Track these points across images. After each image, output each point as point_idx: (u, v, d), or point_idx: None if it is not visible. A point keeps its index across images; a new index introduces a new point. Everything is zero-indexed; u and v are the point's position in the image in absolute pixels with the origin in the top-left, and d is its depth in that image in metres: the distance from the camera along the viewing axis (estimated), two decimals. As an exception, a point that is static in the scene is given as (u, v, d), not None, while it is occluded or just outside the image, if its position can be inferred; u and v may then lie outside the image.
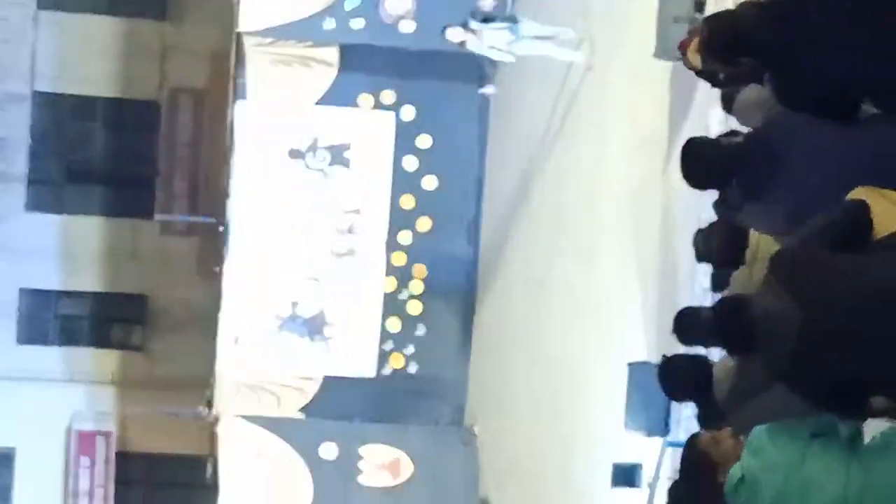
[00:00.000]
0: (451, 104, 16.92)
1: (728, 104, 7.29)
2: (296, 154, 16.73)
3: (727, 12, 6.10)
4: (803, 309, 4.37)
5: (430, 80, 16.82)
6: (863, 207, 4.67)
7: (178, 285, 19.38)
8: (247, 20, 16.34)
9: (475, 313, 16.76)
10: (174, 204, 19.80)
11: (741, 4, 6.16)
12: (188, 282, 19.07)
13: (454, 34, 15.63)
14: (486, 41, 15.40)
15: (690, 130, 10.92)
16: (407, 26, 16.35)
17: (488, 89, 16.66)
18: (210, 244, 17.46)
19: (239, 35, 16.46)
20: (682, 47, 7.41)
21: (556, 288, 14.82)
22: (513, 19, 15.33)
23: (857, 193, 4.79)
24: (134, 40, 19.79)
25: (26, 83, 19.61)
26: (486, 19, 15.39)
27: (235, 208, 16.44)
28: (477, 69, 16.77)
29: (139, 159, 19.82)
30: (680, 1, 11.67)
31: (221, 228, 16.53)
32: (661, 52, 11.90)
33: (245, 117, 16.44)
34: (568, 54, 14.94)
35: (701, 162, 5.83)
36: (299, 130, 16.70)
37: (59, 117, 19.94)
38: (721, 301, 5.58)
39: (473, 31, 15.44)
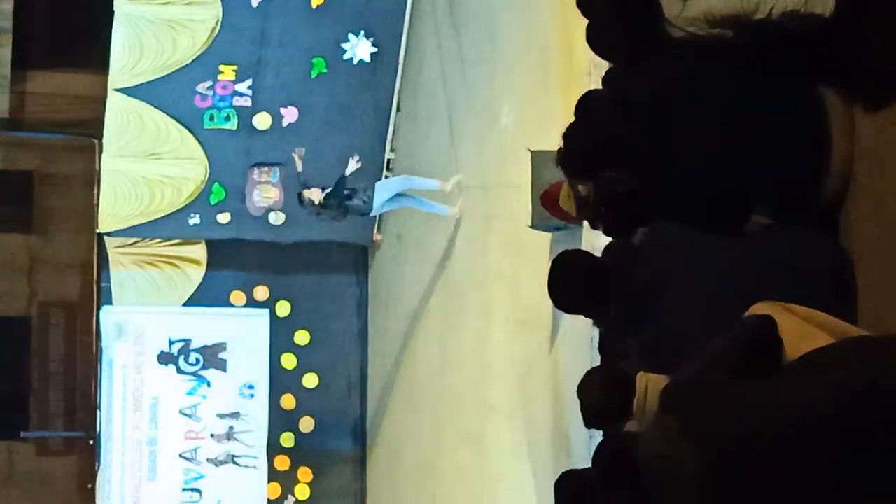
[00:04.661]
0: (327, 297, 16.08)
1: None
2: (167, 358, 15.85)
3: (578, 122, 5.45)
4: (704, 452, 3.50)
5: (304, 272, 15.92)
6: (770, 324, 3.83)
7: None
8: (107, 220, 15.18)
9: (366, 508, 15.84)
10: (49, 422, 17.95)
11: (593, 110, 5.46)
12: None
13: (312, 194, 14.03)
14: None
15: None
16: (276, 218, 15.41)
17: (377, 236, 15.77)
18: (88, 462, 16.38)
19: (100, 237, 15.38)
20: (548, 199, 6.39)
21: (447, 475, 14.06)
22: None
23: (760, 309, 3.95)
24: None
25: None
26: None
27: (106, 420, 15.71)
28: (353, 258, 15.95)
29: (11, 378, 17.88)
30: (554, 168, 10.45)
31: (92, 442, 15.76)
32: (537, 223, 10.93)
33: (111, 324, 15.53)
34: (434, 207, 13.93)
35: (569, 281, 5.05)
36: (169, 334, 15.80)
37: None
38: (600, 446, 4.74)
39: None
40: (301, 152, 14.02)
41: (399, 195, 14.37)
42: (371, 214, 14.81)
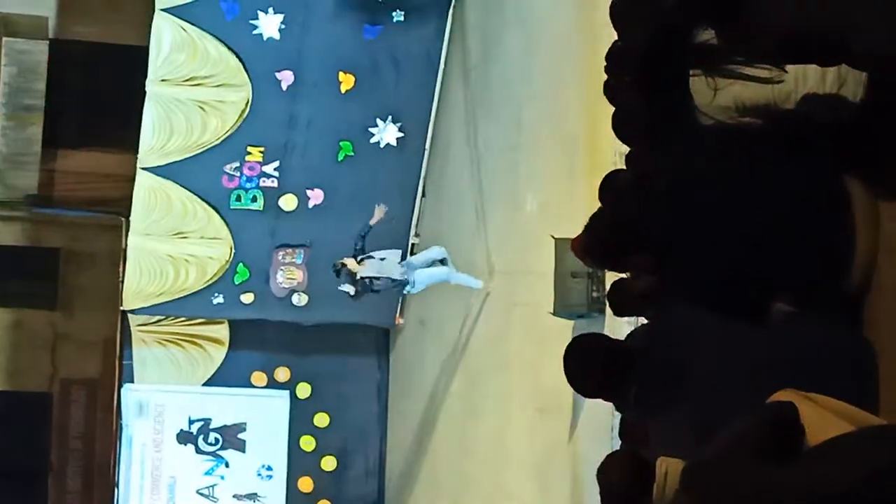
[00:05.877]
0: (347, 380, 16.35)
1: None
2: (186, 437, 16.09)
3: (602, 208, 5.52)
4: None
5: (326, 355, 16.21)
6: (792, 410, 3.94)
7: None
8: (131, 298, 15.46)
9: None
10: (67, 500, 18.26)
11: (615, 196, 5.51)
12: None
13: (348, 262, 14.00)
14: (379, 266, 13.99)
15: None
16: (299, 299, 15.67)
17: (399, 319, 15.99)
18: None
19: (124, 314, 15.67)
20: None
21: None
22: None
23: (782, 396, 4.06)
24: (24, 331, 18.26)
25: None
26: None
27: (123, 499, 15.92)
28: (374, 341, 16.24)
29: (30, 454, 18.18)
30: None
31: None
32: (559, 310, 11.27)
33: (132, 402, 15.79)
34: (469, 280, 14.06)
35: (586, 362, 5.00)
36: (189, 412, 16.05)
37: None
38: None
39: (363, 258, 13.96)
40: (384, 209, 14.04)
41: (433, 267, 14.28)
42: (412, 290, 14.59)
